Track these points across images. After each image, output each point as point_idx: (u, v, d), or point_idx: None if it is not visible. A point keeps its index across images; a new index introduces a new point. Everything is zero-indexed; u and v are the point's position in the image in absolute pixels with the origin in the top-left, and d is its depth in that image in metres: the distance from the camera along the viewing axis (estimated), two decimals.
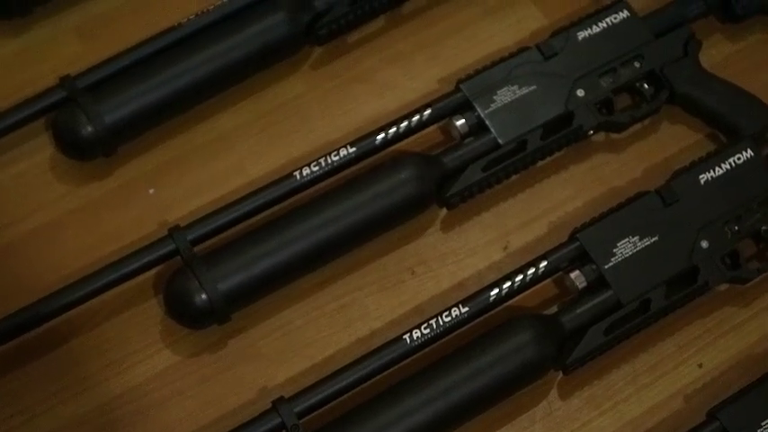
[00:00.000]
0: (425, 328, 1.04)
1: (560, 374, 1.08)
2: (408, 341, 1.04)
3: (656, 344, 1.10)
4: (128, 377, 1.08)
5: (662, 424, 1.06)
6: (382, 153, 1.14)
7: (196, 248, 1.08)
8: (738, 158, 1.13)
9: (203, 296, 1.05)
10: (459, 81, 1.16)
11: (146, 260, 1.07)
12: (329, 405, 1.02)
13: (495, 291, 1.06)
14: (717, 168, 1.12)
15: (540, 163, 1.16)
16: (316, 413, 1.02)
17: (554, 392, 1.08)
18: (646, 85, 1.18)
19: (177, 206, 1.14)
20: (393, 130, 1.13)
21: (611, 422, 1.07)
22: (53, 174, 1.16)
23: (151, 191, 1.15)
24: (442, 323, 1.05)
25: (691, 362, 1.09)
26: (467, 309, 1.05)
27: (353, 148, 1.12)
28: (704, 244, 1.09)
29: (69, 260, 1.11)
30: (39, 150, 1.16)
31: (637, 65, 1.18)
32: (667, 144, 1.19)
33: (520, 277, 1.07)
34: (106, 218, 1.14)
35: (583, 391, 1.08)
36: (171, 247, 1.07)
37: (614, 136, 1.19)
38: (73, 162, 1.15)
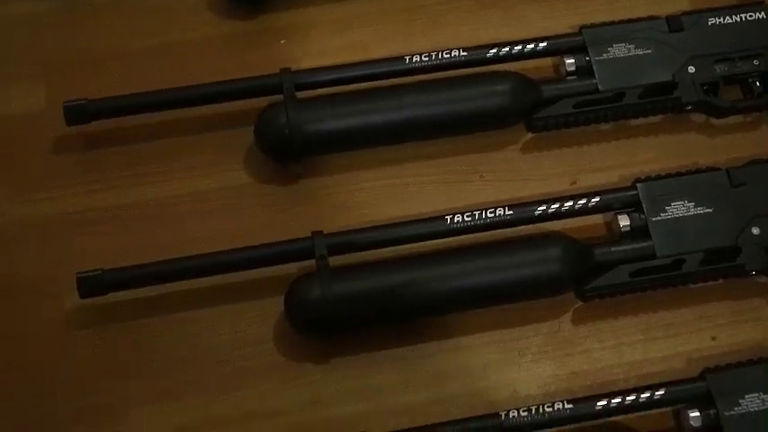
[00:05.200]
0: (467, 216, 1.11)
1: (578, 303, 1.12)
2: (448, 221, 1.11)
3: (680, 308, 1.13)
4: (194, 183, 1.19)
5: (656, 375, 1.09)
6: (489, 68, 1.21)
7: (299, 95, 1.18)
8: None
9: (285, 131, 1.15)
10: (583, 27, 1.23)
11: (250, 86, 1.18)
12: (359, 253, 1.11)
13: (543, 207, 1.12)
14: None
15: (633, 121, 1.21)
16: (345, 256, 1.11)
17: (567, 316, 1.12)
18: (757, 83, 1.22)
19: (299, 60, 1.24)
20: (506, 49, 1.21)
21: (608, 357, 1.11)
22: (206, 2, 1.29)
23: (282, 41, 1.27)
24: (483, 216, 1.11)
25: (706, 333, 1.12)
26: (511, 212, 1.12)
27: (465, 53, 1.20)
28: (755, 230, 1.11)
29: (196, 74, 1.22)
30: None
31: (756, 62, 1.21)
32: (761, 143, 1.21)
33: (569, 203, 1.12)
34: (236, 51, 1.26)
35: (594, 323, 1.12)
36: (275, 81, 1.18)
37: (713, 121, 1.22)
38: None
